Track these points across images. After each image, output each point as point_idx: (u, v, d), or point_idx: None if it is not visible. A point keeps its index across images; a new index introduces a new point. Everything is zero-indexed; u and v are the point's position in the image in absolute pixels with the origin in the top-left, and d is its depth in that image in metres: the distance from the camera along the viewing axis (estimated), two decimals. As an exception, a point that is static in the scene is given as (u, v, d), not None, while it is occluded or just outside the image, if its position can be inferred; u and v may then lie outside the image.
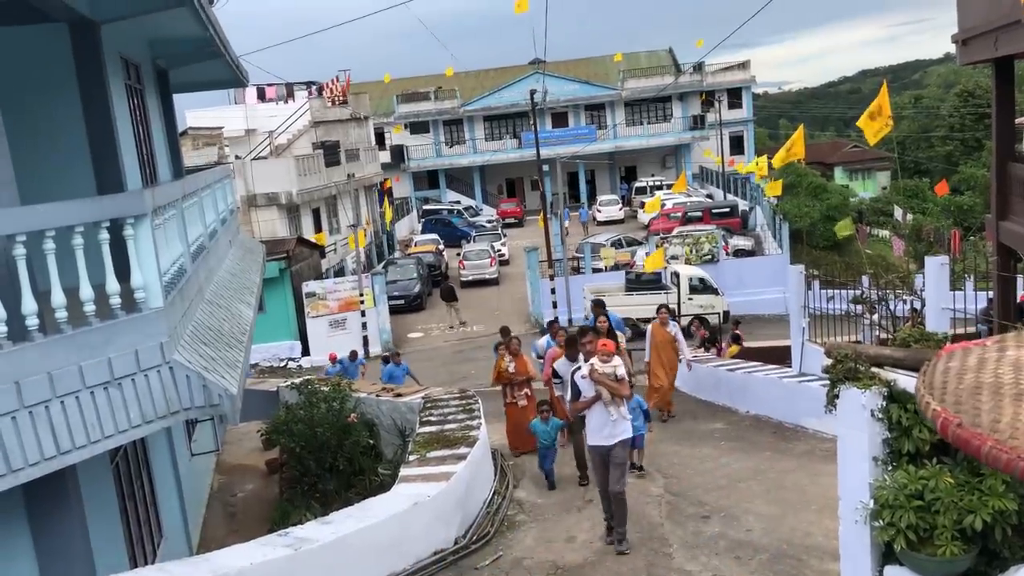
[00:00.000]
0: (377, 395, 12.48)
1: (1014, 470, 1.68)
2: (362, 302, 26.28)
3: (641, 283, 25.67)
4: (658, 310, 13.46)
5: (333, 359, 18.21)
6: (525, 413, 11.03)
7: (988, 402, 1.85)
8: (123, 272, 6.07)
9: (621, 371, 7.42)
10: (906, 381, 3.60)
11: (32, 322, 5.40)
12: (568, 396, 8.00)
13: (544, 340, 13.22)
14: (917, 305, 13.19)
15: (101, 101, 8.22)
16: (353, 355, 18.44)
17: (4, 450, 5.14)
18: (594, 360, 7.49)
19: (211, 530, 11.23)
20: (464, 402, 10.71)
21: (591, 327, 10.93)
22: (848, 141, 68.85)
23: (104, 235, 5.86)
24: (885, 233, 41.00)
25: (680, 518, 8.07)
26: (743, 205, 39.75)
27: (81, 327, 5.69)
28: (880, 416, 3.68)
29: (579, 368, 7.76)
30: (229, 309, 9.02)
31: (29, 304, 5.36)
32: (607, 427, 7.32)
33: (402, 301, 29.75)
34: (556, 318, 20.38)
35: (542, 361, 12.26)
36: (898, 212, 40.16)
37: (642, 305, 23.67)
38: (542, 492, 9.34)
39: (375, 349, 26.09)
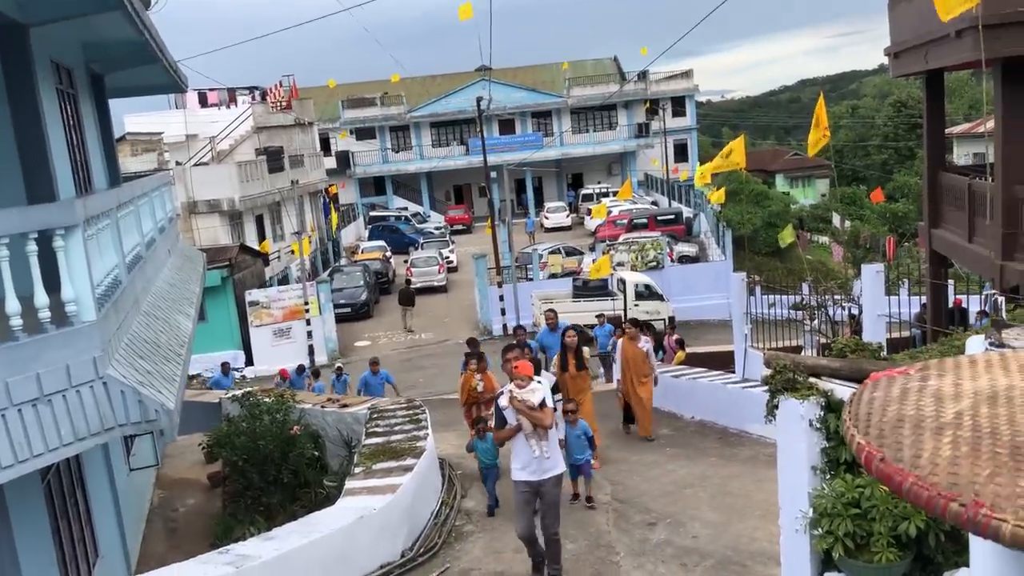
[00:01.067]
0: (323, 406, 12.31)
1: (934, 508, 1.71)
2: (307, 310, 25.92)
3: (588, 290, 25.84)
4: (625, 323, 13.03)
5: (284, 375, 17.88)
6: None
7: (909, 436, 1.89)
8: (53, 283, 5.87)
9: (540, 396, 6.59)
10: (843, 391, 3.67)
11: (-45, 338, 5.17)
12: (493, 423, 7.27)
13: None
14: (855, 311, 13.54)
15: (30, 107, 7.93)
16: (300, 368, 18.27)
17: (-76, 472, 4.90)
18: (510, 386, 6.72)
19: (151, 546, 10.91)
20: (411, 412, 10.62)
21: (515, 344, 10.76)
22: (788, 149, 70.55)
23: (32, 247, 5.64)
24: (825, 239, 42.04)
25: (627, 525, 8.12)
26: (687, 212, 40.35)
27: (7, 342, 5.47)
28: (818, 426, 3.74)
29: (501, 393, 7.00)
30: (167, 320, 8.79)
31: (-49, 319, 5.13)
32: (534, 460, 6.61)
33: (349, 309, 29.44)
34: (520, 325, 19.47)
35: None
36: (836, 219, 41.24)
37: (589, 312, 23.82)
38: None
39: (321, 358, 25.75)
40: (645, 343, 12.04)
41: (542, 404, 6.54)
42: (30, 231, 5.64)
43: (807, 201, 59.23)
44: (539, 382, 6.66)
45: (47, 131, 8.15)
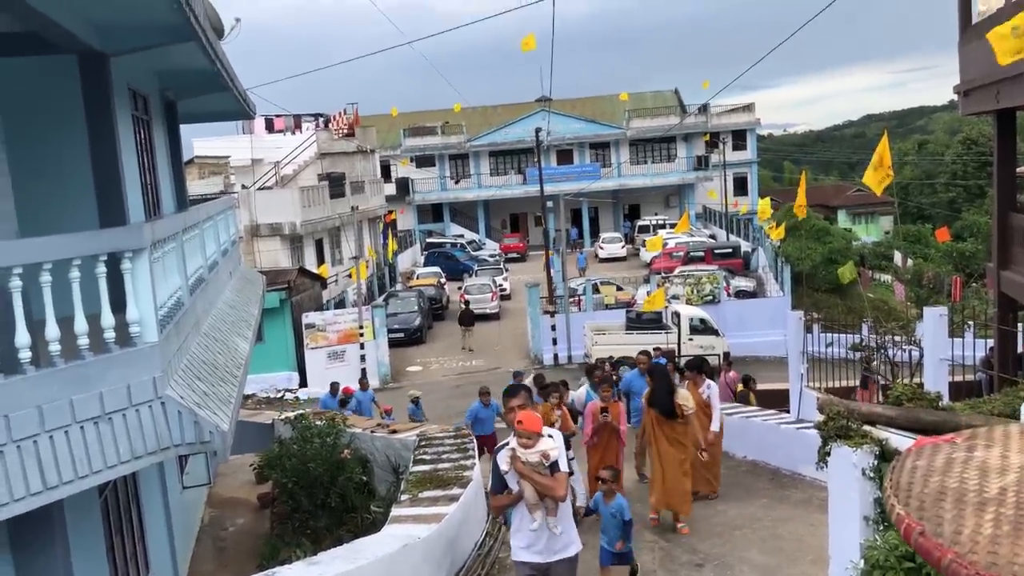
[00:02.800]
0: (372, 431, 12.42)
1: None
2: (362, 334, 26.27)
3: (641, 322, 25.63)
4: (687, 368, 10.72)
5: (349, 392, 17.30)
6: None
7: (951, 510, 1.83)
8: (119, 302, 6.08)
9: (552, 457, 5.24)
10: (898, 440, 3.57)
11: (25, 355, 5.39)
12: (489, 485, 5.77)
13: (583, 391, 11.29)
14: (916, 353, 13.14)
15: (108, 133, 8.29)
16: (363, 385, 18.16)
17: (-10, 484, 5.09)
18: (513, 442, 5.35)
19: (200, 564, 11.11)
20: (459, 441, 10.64)
21: (521, 385, 8.15)
22: (852, 185, 69.22)
23: (101, 268, 5.87)
24: (887, 278, 41.01)
25: (673, 566, 7.97)
26: (745, 246, 39.85)
27: (74, 360, 5.67)
28: (871, 475, 3.65)
29: (502, 448, 5.56)
30: (225, 342, 9.01)
31: (23, 337, 5.35)
32: (542, 538, 5.32)
33: (402, 334, 29.75)
34: (598, 363, 17.51)
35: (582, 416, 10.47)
36: (899, 257, 40.20)
37: (642, 345, 23.60)
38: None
39: (374, 382, 26.00)
40: (709, 388, 10.05)
41: (553, 467, 5.24)
42: (100, 253, 5.87)
43: (870, 238, 57.94)
44: (550, 436, 5.34)
45: (121, 156, 8.50)
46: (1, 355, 5.27)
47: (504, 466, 5.32)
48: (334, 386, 17.48)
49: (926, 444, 2.18)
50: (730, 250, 38.65)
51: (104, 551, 7.40)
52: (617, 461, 9.36)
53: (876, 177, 12.09)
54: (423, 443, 10.81)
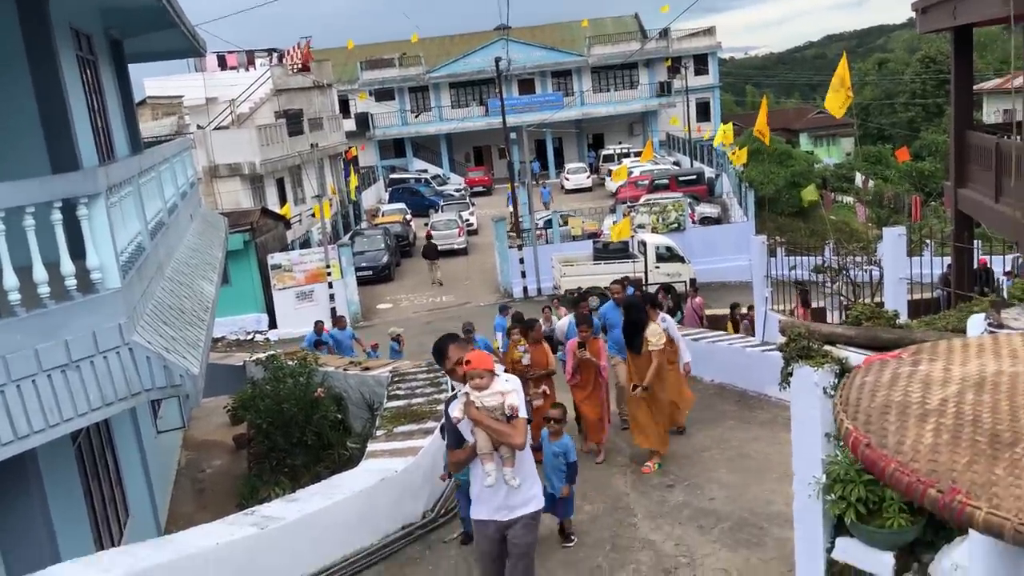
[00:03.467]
0: (345, 369, 12.47)
1: (914, 494, 1.73)
2: (329, 273, 26.10)
3: (608, 252, 25.77)
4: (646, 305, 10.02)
5: (323, 331, 16.88)
6: (539, 414, 8.82)
7: (895, 422, 1.90)
8: (79, 250, 5.97)
9: (511, 400, 4.61)
10: (858, 359, 3.67)
11: (-16, 306, 5.29)
12: (445, 440, 5.10)
13: (565, 321, 11.19)
14: (876, 274, 13.42)
15: (52, 74, 7.99)
16: (341, 323, 17.65)
17: (-41, 436, 5.06)
18: (466, 387, 4.68)
19: (179, 506, 11.21)
20: (432, 375, 10.73)
21: (466, 332, 7.40)
22: (813, 107, 69.30)
23: (57, 215, 5.74)
24: (849, 199, 41.52)
25: (645, 488, 8.21)
26: (709, 172, 39.95)
27: (36, 309, 5.60)
28: (832, 393, 3.76)
29: (453, 397, 4.87)
30: (190, 286, 8.92)
31: (-20, 288, 5.25)
32: (499, 492, 4.76)
33: (370, 272, 29.62)
34: (578, 295, 16.29)
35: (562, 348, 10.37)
36: (860, 178, 40.64)
37: (610, 275, 23.80)
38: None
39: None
40: (662, 322, 9.43)
41: (510, 415, 4.62)
42: (54, 200, 5.72)
43: (831, 160, 58.38)
44: (506, 380, 4.72)
45: (68, 98, 8.21)
46: (-41, 307, 5.17)
47: (457, 414, 4.65)
48: (318, 324, 17.15)
49: (874, 361, 2.25)
50: (694, 177, 38.74)
51: (81, 497, 7.43)
52: (600, 398, 9.28)
53: (837, 100, 12.12)
54: (396, 379, 10.89)
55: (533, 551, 4.99)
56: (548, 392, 9.19)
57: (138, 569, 5.41)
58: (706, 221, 32.48)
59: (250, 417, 11.53)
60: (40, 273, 5.59)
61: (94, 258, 5.96)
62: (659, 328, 8.83)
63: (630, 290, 16.26)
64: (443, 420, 4.98)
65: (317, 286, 26.14)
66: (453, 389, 6.58)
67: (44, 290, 5.64)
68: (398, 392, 10.22)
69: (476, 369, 4.62)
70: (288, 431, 10.94)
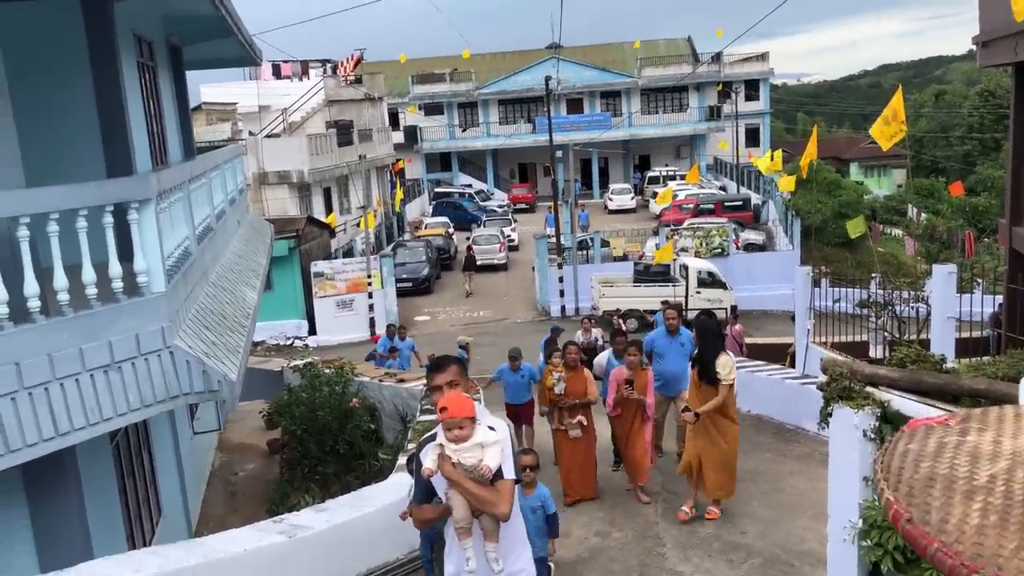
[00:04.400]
0: (380, 380, 12.54)
1: None
2: (370, 283, 26.34)
3: (649, 274, 25.60)
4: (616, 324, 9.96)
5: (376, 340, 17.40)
6: (578, 449, 8.60)
7: (939, 498, 1.83)
8: (127, 252, 6.10)
9: (492, 458, 3.66)
10: (900, 403, 3.58)
11: (34, 304, 5.43)
12: (412, 494, 4.28)
13: (605, 356, 10.16)
14: (924, 310, 13.11)
15: (112, 80, 8.21)
16: (401, 334, 17.01)
17: (3, 431, 5.18)
18: (440, 438, 3.77)
19: (211, 508, 11.34)
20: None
21: (450, 358, 5.11)
22: (864, 137, 68.24)
23: (108, 219, 5.88)
24: (898, 232, 40.74)
25: (675, 518, 8.09)
26: (756, 199, 39.54)
27: (83, 310, 5.72)
28: (872, 436, 3.67)
29: (427, 441, 3.94)
30: (233, 292, 9.05)
31: (31, 286, 5.39)
32: (480, 569, 3.77)
33: (410, 284, 29.81)
34: (621, 326, 16.32)
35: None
36: (912, 211, 39.85)
37: (650, 297, 23.63)
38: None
39: (381, 331, 26.15)
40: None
41: (497, 474, 3.67)
42: (107, 204, 5.86)
43: (881, 192, 57.40)
44: (491, 428, 3.76)
45: (127, 104, 8.43)
46: (11, 304, 5.30)
47: (428, 464, 3.73)
48: (390, 328, 17.16)
49: (919, 425, 2.17)
50: (740, 203, 38.37)
51: (117, 495, 7.55)
52: (645, 436, 8.63)
53: (887, 132, 11.90)
54: (430, 392, 10.91)
55: None
56: (585, 423, 8.57)
57: (168, 571, 5.47)
58: (750, 248, 32.10)
59: (285, 423, 11.66)
60: (89, 274, 5.72)
61: (141, 262, 6.08)
62: (731, 361, 7.95)
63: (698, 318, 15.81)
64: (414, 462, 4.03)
65: (358, 295, 26.39)
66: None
67: (92, 291, 5.77)
68: (431, 406, 10.22)
69: (454, 418, 3.66)
70: (321, 439, 11.02)
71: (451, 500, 3.69)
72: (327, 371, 12.21)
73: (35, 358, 5.38)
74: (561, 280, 27.24)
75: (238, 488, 12.14)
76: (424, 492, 3.91)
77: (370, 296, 26.36)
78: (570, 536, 7.79)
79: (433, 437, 3.87)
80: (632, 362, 8.52)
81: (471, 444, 3.68)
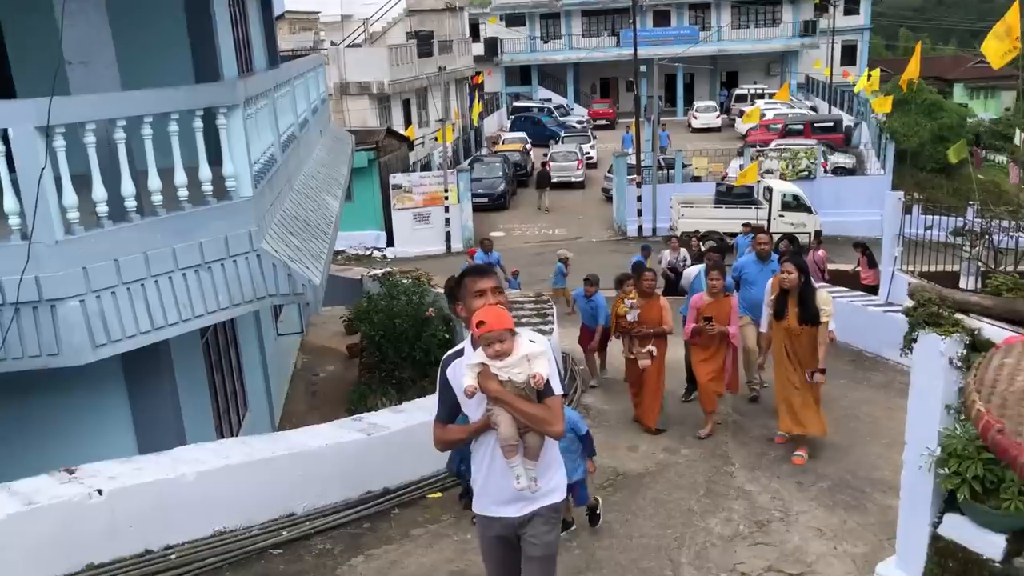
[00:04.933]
0: (455, 292, 12.72)
1: None
2: (446, 198, 26.48)
3: (731, 196, 24.98)
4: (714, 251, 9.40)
5: (472, 254, 17.57)
6: (648, 379, 8.24)
7: None
8: (216, 157, 6.28)
9: (541, 368, 3.48)
10: (991, 331, 3.45)
11: (130, 204, 5.67)
12: (435, 414, 3.83)
13: (694, 270, 9.84)
14: (1024, 241, 12.47)
15: (200, -15, 8.28)
16: (486, 246, 16.95)
17: (105, 321, 5.50)
18: (480, 353, 3.52)
19: (293, 406, 11.90)
20: (538, 306, 10.80)
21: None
22: (972, 56, 63.89)
23: (198, 124, 6.03)
24: (1003, 159, 38.46)
25: (745, 438, 8.10)
26: (848, 120, 37.80)
27: (175, 211, 5.95)
28: (959, 364, 3.56)
29: (454, 357, 3.75)
30: (316, 200, 9.25)
31: (128, 186, 5.62)
32: (511, 481, 3.61)
33: (486, 199, 29.84)
34: (699, 248, 16.01)
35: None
36: (1018, 136, 37.46)
37: (731, 220, 23.10)
38: (609, 399, 9.47)
39: (457, 246, 26.44)
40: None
41: (545, 390, 3.53)
42: (197, 108, 6.01)
43: (987, 115, 53.96)
44: (531, 341, 3.56)
45: (215, 10, 8.52)
46: (109, 203, 5.55)
47: (470, 381, 3.48)
48: (485, 242, 17.11)
49: (1016, 342, 2.10)
50: (831, 124, 36.75)
51: (207, 388, 7.99)
52: (724, 364, 8.15)
53: (999, 49, 11.09)
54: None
55: (555, 552, 3.87)
56: (655, 354, 8.18)
57: (254, 459, 5.81)
58: (839, 172, 30.90)
59: (364, 329, 12.02)
60: (181, 177, 5.92)
61: (229, 166, 6.26)
62: (829, 296, 7.39)
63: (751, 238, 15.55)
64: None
65: (434, 209, 26.61)
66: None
67: (183, 194, 5.98)
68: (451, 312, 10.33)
69: (494, 331, 3.43)
70: (398, 345, 11.34)
71: (495, 417, 3.49)
72: (405, 281, 12.46)
73: (132, 255, 5.66)
74: (639, 200, 26.84)
75: (318, 388, 12.69)
76: (448, 412, 3.74)
77: (446, 210, 26.55)
78: (638, 450, 7.90)
79: (460, 353, 3.68)
80: (713, 287, 8.03)
81: (517, 359, 3.47)
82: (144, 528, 5.31)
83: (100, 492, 5.12)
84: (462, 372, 3.55)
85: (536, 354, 3.49)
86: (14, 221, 5.29)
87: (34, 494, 5.03)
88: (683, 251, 16.03)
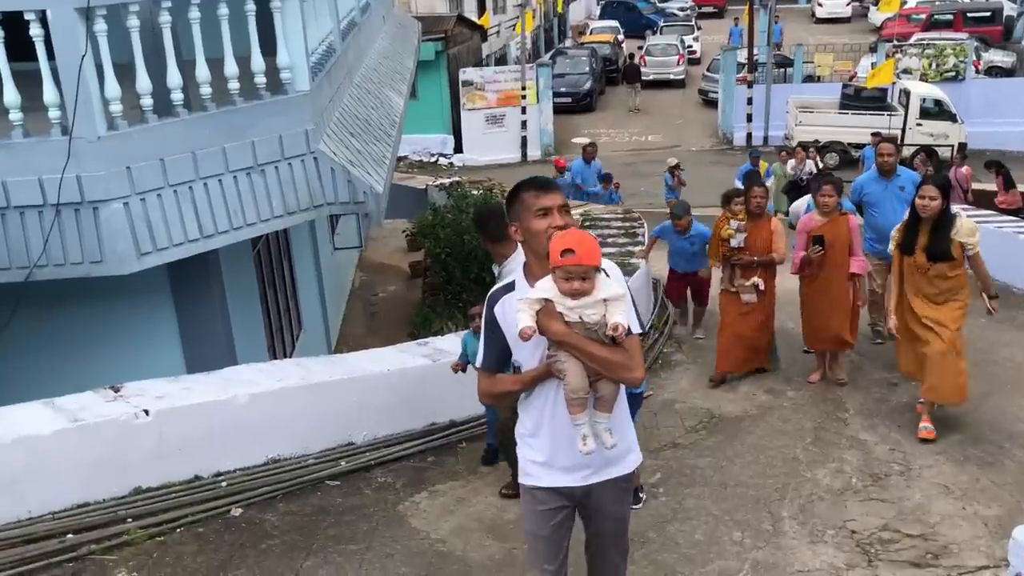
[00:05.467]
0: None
1: None
2: (524, 97, 26.20)
3: (860, 100, 24.04)
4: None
5: (560, 165, 16.52)
6: (750, 319, 7.77)
7: None
8: (270, 47, 6.35)
9: (623, 315, 3.23)
10: None
11: (177, 96, 5.80)
12: (480, 360, 3.58)
13: (803, 204, 9.42)
14: None
15: None
16: (589, 154, 15.99)
17: (151, 227, 5.72)
18: (543, 286, 3.29)
19: (350, 327, 12.24)
20: (628, 224, 10.75)
21: (540, 180, 3.60)
22: None
23: (251, 6, 6.08)
24: None
25: (863, 382, 7.97)
26: (1010, 9, 35.59)
27: (225, 106, 6.07)
28: None
29: (501, 294, 3.49)
30: (379, 96, 9.30)
31: (174, 77, 5.75)
32: (574, 443, 3.37)
33: (569, 99, 29.45)
34: (829, 156, 16.17)
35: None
36: None
37: (858, 128, 22.28)
38: (704, 331, 9.41)
39: (534, 153, 26.27)
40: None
41: (615, 335, 3.24)
42: (248, -12, 6.05)
43: None
44: (608, 279, 3.33)
45: None
46: (154, 96, 5.69)
47: (527, 321, 3.22)
48: (588, 149, 16.20)
49: None
50: (988, 13, 34.71)
51: (258, 304, 8.28)
52: (844, 307, 7.59)
53: None
54: (587, 224, 11.01)
55: (627, 517, 3.76)
56: (762, 288, 7.67)
57: (311, 383, 6.03)
58: (994, 72, 29.30)
59: (428, 245, 12.17)
60: (231, 67, 6.01)
61: (284, 56, 6.32)
62: (974, 224, 6.68)
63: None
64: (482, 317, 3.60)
65: (509, 110, 26.41)
66: (500, 276, 5.02)
67: (234, 86, 6.09)
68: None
69: (580, 265, 3.18)
70: (467, 265, 11.46)
71: (561, 365, 3.28)
72: (475, 192, 12.51)
73: (179, 154, 5.82)
74: (750, 102, 26.05)
75: (378, 309, 13.00)
76: (497, 358, 3.50)
77: (523, 111, 26.31)
78: (737, 390, 7.89)
79: (510, 288, 3.47)
80: (825, 204, 7.40)
81: (594, 300, 3.23)
82: (193, 452, 5.62)
83: (147, 412, 5.41)
84: (515, 309, 3.31)
85: (616, 297, 3.25)
86: (54, 114, 5.49)
87: (79, 411, 5.36)
88: (810, 162, 15.51)
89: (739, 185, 14.86)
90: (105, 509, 5.32)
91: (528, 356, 3.41)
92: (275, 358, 8.42)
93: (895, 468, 6.37)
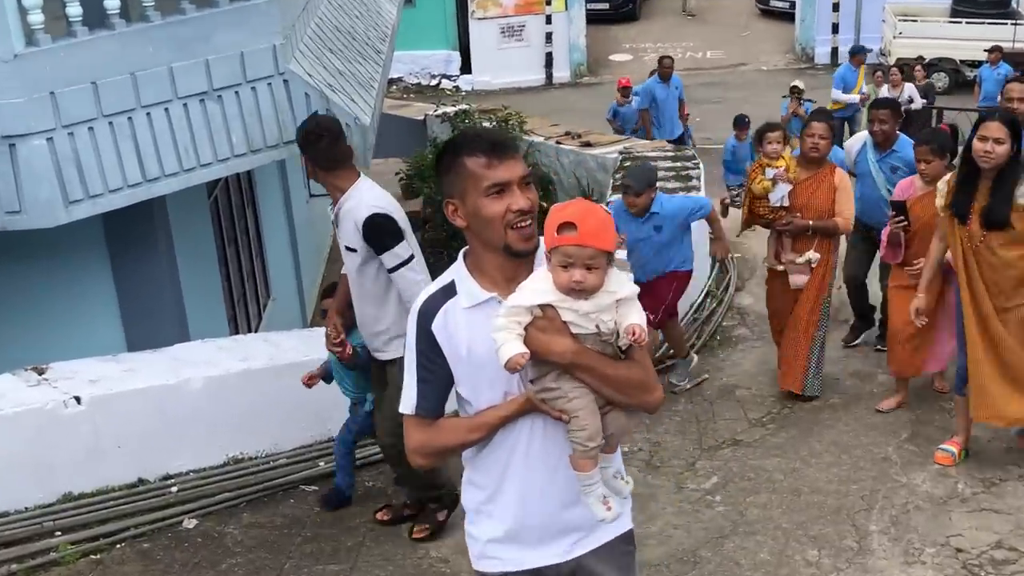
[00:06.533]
0: (558, 141, 12.66)
1: None
2: (548, 2, 25.99)
3: (976, 6, 23.74)
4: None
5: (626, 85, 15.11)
6: (799, 308, 6.97)
7: None
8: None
9: (638, 316, 2.83)
10: None
11: (112, 4, 5.78)
12: (409, 403, 3.00)
13: (859, 140, 7.65)
14: None
15: None
16: (664, 71, 14.13)
17: (81, 168, 5.72)
18: (541, 284, 2.79)
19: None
20: (680, 164, 10.67)
21: (491, 136, 2.72)
22: None
23: None
24: None
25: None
26: None
27: (172, 15, 6.05)
28: None
29: (450, 299, 2.95)
30: (365, 3, 9.24)
31: (109, -20, 5.73)
32: (551, 500, 2.98)
33: (606, 5, 29.14)
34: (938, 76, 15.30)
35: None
36: None
37: (972, 41, 21.98)
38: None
39: (561, 73, 26.06)
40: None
41: (634, 341, 2.82)
42: None
43: None
44: (618, 272, 2.93)
45: None
46: (84, 4, 5.67)
47: (516, 347, 2.70)
48: (665, 64, 14.26)
49: None
50: None
51: (216, 266, 8.31)
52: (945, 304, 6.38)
53: None
54: (628, 163, 10.96)
55: None
56: (815, 264, 6.86)
57: (282, 364, 6.06)
58: None
59: (428, 191, 12.15)
60: (179, -33, 5.99)
61: (244, -50, 6.29)
62: None
63: (1003, 69, 14.68)
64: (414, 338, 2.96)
65: (530, 19, 26.17)
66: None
67: (183, -10, 6.07)
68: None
69: (584, 246, 2.72)
70: (475, 216, 11.45)
71: (567, 403, 2.79)
72: (487, 124, 12.45)
73: (115, 77, 5.80)
74: (836, 8, 25.77)
75: (365, 272, 12.99)
76: (437, 396, 2.96)
77: (548, 20, 26.09)
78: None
79: (450, 292, 2.91)
80: (924, 172, 6.42)
81: (608, 302, 2.81)
82: (136, 450, 5.67)
83: (78, 400, 5.45)
84: (493, 326, 2.74)
85: (628, 297, 2.83)
86: (-43, 27, 5.49)
87: (-6, 398, 5.40)
88: (908, 86, 15.25)
89: (837, 94, 14.55)
90: (28, 520, 5.38)
91: (485, 385, 2.89)
92: (237, 332, 8.46)
93: (1013, 472, 6.36)
